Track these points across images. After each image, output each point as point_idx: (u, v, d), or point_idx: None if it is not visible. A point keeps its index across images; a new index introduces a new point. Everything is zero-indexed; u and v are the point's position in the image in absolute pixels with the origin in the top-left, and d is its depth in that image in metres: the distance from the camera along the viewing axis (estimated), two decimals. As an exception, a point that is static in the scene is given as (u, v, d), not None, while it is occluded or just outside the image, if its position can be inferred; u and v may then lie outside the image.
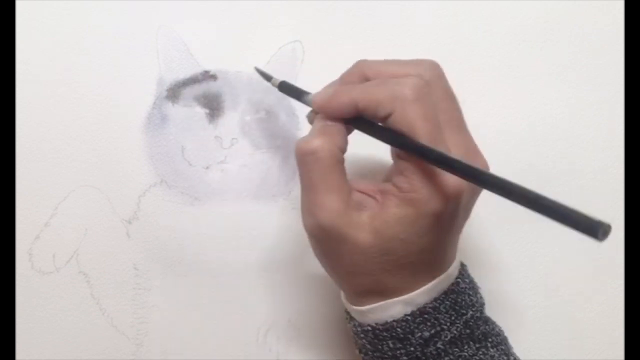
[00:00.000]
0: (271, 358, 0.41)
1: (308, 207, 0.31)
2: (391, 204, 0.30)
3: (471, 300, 0.33)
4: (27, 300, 0.39)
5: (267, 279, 0.41)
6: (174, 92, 0.40)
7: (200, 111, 0.40)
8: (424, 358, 0.32)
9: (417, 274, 0.31)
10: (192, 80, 0.40)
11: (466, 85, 0.42)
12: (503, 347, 0.33)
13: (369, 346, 0.33)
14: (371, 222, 0.30)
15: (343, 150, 0.31)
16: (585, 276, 0.43)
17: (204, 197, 0.40)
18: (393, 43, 0.42)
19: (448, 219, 0.30)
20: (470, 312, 0.32)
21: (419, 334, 0.31)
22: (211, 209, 0.40)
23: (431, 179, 0.29)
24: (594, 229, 0.22)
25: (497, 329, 0.34)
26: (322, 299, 0.41)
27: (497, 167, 0.42)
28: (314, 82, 0.41)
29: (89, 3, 0.40)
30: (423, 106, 0.29)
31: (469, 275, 0.34)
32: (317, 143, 0.30)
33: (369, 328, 0.32)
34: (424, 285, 0.31)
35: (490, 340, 0.33)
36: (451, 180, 0.29)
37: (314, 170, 0.30)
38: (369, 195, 0.31)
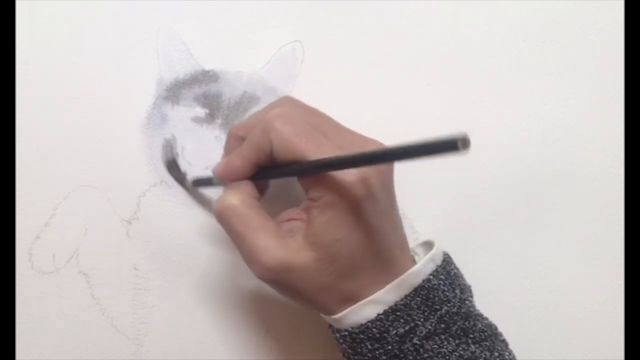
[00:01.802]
0: (271, 358, 0.41)
1: (247, 256, 0.33)
2: (314, 215, 0.32)
3: (446, 296, 0.33)
4: (27, 300, 0.39)
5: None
6: (174, 92, 0.40)
7: (200, 111, 0.40)
8: (402, 355, 0.32)
9: (376, 273, 0.32)
10: (192, 80, 0.40)
11: (466, 85, 0.43)
12: (487, 344, 0.34)
13: (349, 350, 0.34)
14: (306, 240, 0.32)
15: (256, 197, 0.34)
16: (585, 276, 0.43)
17: (204, 197, 0.40)
18: (393, 43, 0.42)
19: (370, 206, 0.31)
20: (445, 308, 0.33)
21: (394, 331, 0.32)
22: (211, 209, 0.40)
23: (331, 180, 0.31)
24: (453, 144, 0.24)
25: (481, 325, 0.34)
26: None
27: (497, 167, 0.42)
28: (314, 82, 0.41)
29: (89, 3, 0.40)
30: (292, 126, 0.32)
31: (447, 272, 0.34)
32: (229, 197, 0.33)
33: (346, 333, 0.33)
34: (388, 282, 0.32)
35: (471, 336, 0.33)
36: (352, 170, 0.31)
37: (236, 221, 0.33)
38: (296, 219, 0.33)
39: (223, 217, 0.33)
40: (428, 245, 0.36)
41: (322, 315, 0.35)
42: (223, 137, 0.40)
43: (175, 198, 0.40)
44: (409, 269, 0.33)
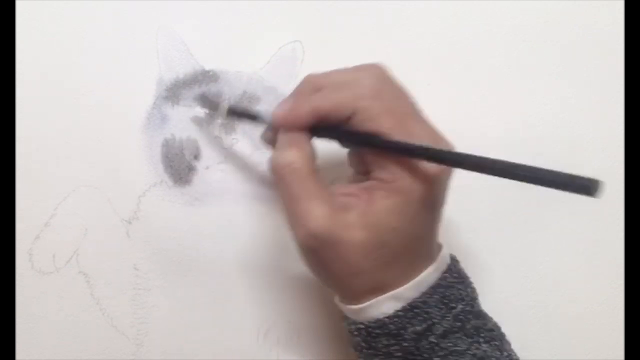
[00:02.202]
0: (271, 358, 0.41)
1: (295, 219, 0.31)
2: (378, 196, 0.31)
3: (460, 294, 0.33)
4: (27, 300, 0.39)
5: (267, 279, 0.41)
6: (174, 92, 0.40)
7: (200, 111, 0.40)
8: (417, 353, 0.32)
9: (409, 266, 0.32)
10: (192, 80, 0.40)
11: (466, 85, 0.43)
12: (497, 344, 0.34)
13: (363, 344, 0.33)
14: (361, 219, 0.30)
15: (315, 158, 0.32)
16: (585, 276, 0.43)
17: (204, 197, 0.40)
18: (393, 43, 0.42)
19: (433, 203, 0.31)
20: (460, 306, 0.33)
21: (412, 328, 0.32)
22: (211, 209, 0.40)
23: (410, 166, 0.30)
24: (587, 188, 0.24)
25: (490, 325, 0.34)
26: (322, 299, 0.41)
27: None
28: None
29: (89, 3, 0.40)
30: (383, 101, 0.31)
31: (458, 270, 0.35)
32: (291, 154, 0.31)
33: (362, 326, 0.33)
34: (413, 279, 0.32)
35: (482, 335, 0.33)
36: (430, 164, 0.30)
37: (294, 181, 0.31)
38: (352, 196, 0.32)
39: (281, 174, 0.31)
40: (439, 246, 0.35)
41: (340, 302, 0.34)
42: (223, 137, 0.40)
43: (175, 198, 0.40)
44: (431, 265, 0.32)
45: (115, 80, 0.40)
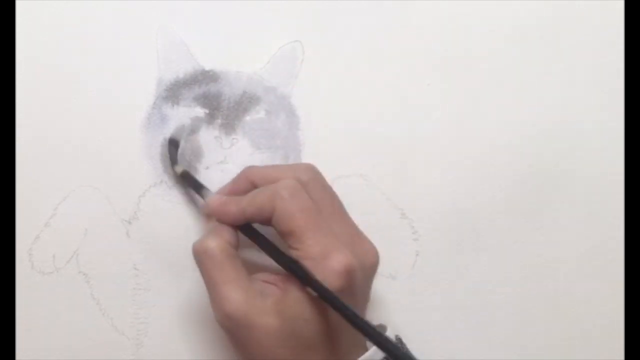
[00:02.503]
0: (271, 358, 0.41)
1: (213, 301, 0.33)
2: (293, 287, 0.32)
3: None
4: (27, 300, 0.39)
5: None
6: (174, 92, 0.40)
7: (200, 111, 0.40)
8: None
9: (331, 356, 0.32)
10: (192, 80, 0.40)
11: (466, 85, 0.43)
12: None
13: None
14: (275, 307, 0.32)
15: (234, 245, 0.34)
16: (585, 276, 0.43)
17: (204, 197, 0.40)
18: (393, 43, 0.42)
19: (346, 297, 0.31)
20: None
21: None
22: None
23: (321, 260, 0.31)
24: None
25: None
26: (322, 299, 0.41)
27: (497, 168, 0.42)
28: (314, 82, 0.41)
29: (89, 3, 0.40)
30: (299, 201, 0.32)
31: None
32: (209, 242, 0.33)
33: None
34: None
35: None
36: (339, 259, 0.31)
37: (210, 267, 0.33)
38: (271, 284, 0.34)
39: (199, 259, 0.34)
40: (382, 328, 0.35)
41: None
42: (223, 137, 0.40)
43: (175, 198, 0.40)
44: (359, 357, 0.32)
45: (115, 80, 0.40)
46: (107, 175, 0.40)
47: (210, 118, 0.40)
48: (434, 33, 0.42)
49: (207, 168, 0.40)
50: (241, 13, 0.41)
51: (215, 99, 0.40)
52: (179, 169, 0.38)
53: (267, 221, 0.33)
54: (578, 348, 0.43)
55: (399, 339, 0.35)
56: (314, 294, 0.31)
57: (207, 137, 0.40)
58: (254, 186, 0.35)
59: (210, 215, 0.36)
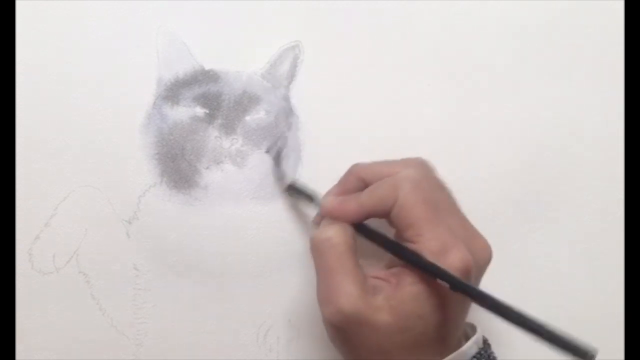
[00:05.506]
0: (271, 358, 0.41)
1: (326, 294, 0.32)
2: (406, 282, 0.31)
3: None
4: (27, 300, 0.39)
5: (267, 279, 0.41)
6: (174, 92, 0.40)
7: (200, 111, 0.40)
8: None
9: (435, 351, 0.32)
10: (192, 80, 0.40)
11: (466, 85, 0.43)
12: None
13: None
14: (388, 303, 0.31)
15: (354, 239, 0.33)
16: (585, 276, 0.43)
17: (204, 197, 0.40)
18: (393, 43, 0.42)
19: (461, 295, 0.31)
20: None
21: None
22: (211, 209, 0.40)
23: (439, 256, 0.31)
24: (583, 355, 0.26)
25: None
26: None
27: (497, 168, 0.42)
28: (314, 82, 0.41)
29: (89, 3, 0.40)
30: (421, 193, 0.32)
31: (488, 355, 0.34)
32: (332, 231, 0.33)
33: None
34: None
35: None
36: (458, 256, 0.31)
37: (331, 257, 0.32)
38: (382, 279, 0.33)
39: (320, 249, 0.33)
40: (470, 327, 0.36)
41: None
42: (223, 137, 0.40)
43: (175, 198, 0.40)
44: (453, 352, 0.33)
45: (115, 80, 0.40)
46: (107, 176, 0.40)
47: (210, 118, 0.40)
48: (434, 33, 0.42)
49: (207, 168, 0.40)
50: (241, 13, 0.41)
51: (215, 99, 0.40)
52: (287, 181, 0.39)
53: (386, 214, 0.33)
54: (578, 348, 0.43)
55: (486, 339, 0.35)
56: (446, 285, 0.30)
57: (207, 137, 0.40)
58: (363, 183, 0.35)
59: (318, 222, 0.35)
